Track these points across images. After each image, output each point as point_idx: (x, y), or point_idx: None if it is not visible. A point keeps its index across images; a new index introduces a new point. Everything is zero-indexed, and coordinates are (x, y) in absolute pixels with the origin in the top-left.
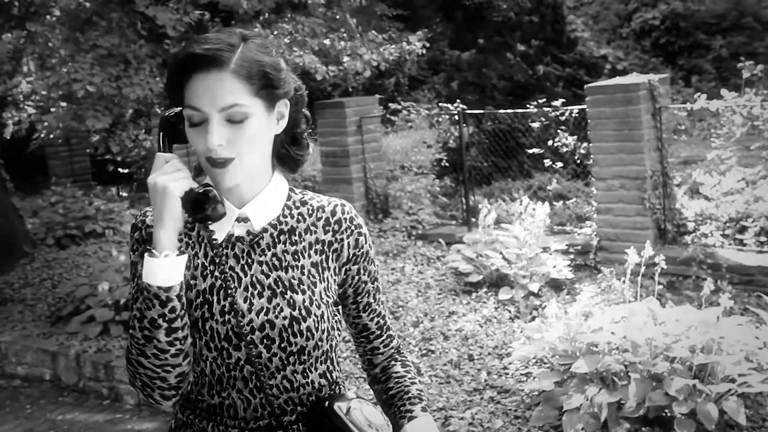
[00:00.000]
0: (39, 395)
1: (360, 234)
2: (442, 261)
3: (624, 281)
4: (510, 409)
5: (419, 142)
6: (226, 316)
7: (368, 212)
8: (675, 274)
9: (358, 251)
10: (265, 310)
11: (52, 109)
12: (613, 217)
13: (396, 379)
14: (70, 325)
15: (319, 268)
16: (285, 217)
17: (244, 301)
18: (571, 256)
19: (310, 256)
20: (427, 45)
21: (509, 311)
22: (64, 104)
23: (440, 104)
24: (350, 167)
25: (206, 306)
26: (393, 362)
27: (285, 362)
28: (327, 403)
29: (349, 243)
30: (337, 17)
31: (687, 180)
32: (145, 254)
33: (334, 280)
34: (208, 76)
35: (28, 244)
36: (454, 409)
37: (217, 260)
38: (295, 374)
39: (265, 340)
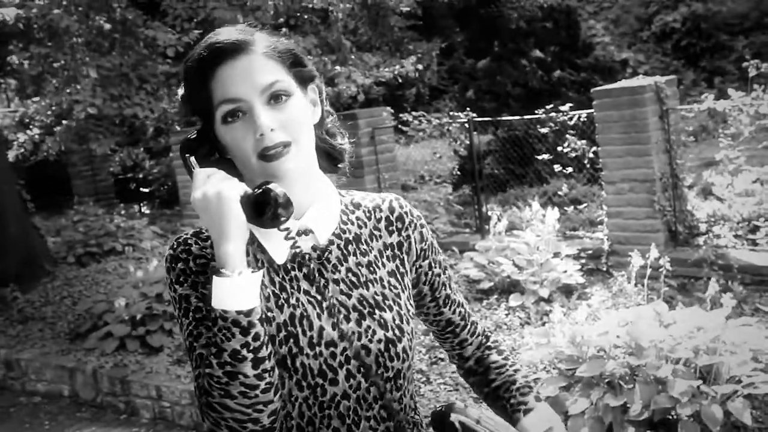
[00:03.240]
0: (58, 411)
1: (422, 226)
2: (454, 269)
3: (634, 284)
4: None
5: (435, 152)
6: (317, 348)
7: None
8: (686, 276)
9: (425, 245)
10: (357, 335)
11: (57, 128)
12: (624, 221)
13: (496, 370)
14: (88, 342)
15: (397, 276)
16: (345, 224)
17: (333, 329)
18: (583, 261)
19: (384, 265)
20: (420, 67)
21: (519, 317)
22: (65, 122)
23: (450, 113)
24: (364, 178)
25: (291, 340)
26: (487, 351)
27: (382, 390)
28: (453, 417)
29: (415, 238)
30: (333, 38)
31: (699, 181)
32: (213, 277)
33: (409, 284)
34: (237, 63)
35: (49, 263)
36: None
37: (288, 286)
38: (392, 402)
39: (362, 369)
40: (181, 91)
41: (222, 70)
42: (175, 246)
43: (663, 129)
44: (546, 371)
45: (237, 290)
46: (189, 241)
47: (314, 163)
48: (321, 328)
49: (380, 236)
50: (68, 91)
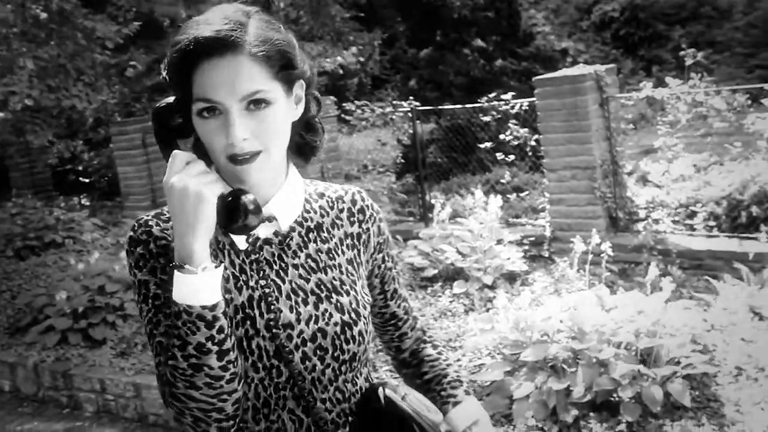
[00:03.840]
0: None
1: (381, 220)
2: (398, 257)
3: (576, 269)
4: None
5: (380, 141)
6: (274, 331)
7: None
8: (627, 261)
9: (381, 239)
10: (314, 318)
11: None
12: (566, 208)
13: (430, 363)
14: (29, 336)
15: (354, 264)
16: (308, 212)
17: (290, 311)
18: (526, 248)
19: (343, 252)
20: (361, 59)
21: (464, 304)
22: (0, 114)
23: (394, 102)
24: (307, 168)
25: (248, 322)
26: (422, 344)
27: (338, 372)
28: (380, 391)
29: (373, 231)
30: None
31: (638, 168)
32: (175, 272)
33: (364, 274)
34: (221, 63)
35: None
36: None
37: (248, 269)
38: (346, 383)
39: (318, 351)
40: (163, 67)
41: (206, 66)
42: (135, 228)
43: (603, 117)
44: (490, 357)
45: (202, 286)
46: (150, 223)
47: (284, 159)
48: (279, 311)
49: (341, 225)
50: (4, 82)
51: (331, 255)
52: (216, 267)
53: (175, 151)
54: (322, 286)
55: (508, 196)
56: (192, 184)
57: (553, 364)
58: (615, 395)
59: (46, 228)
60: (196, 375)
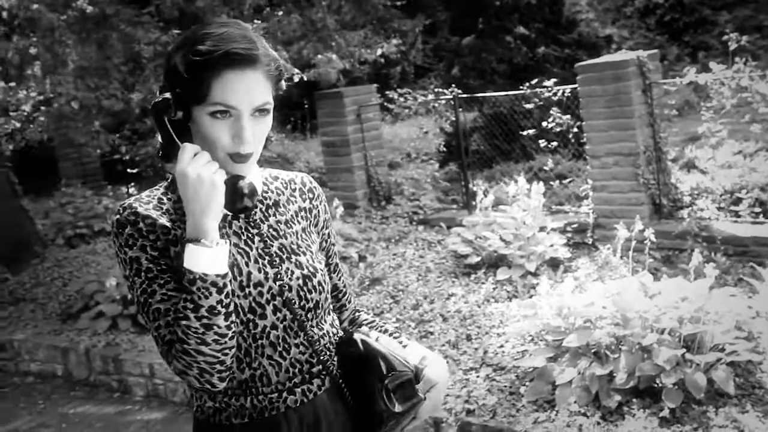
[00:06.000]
0: (51, 390)
1: (325, 201)
2: (442, 245)
3: (620, 257)
4: (505, 386)
5: (422, 129)
6: (246, 290)
7: (370, 200)
8: (671, 248)
9: (327, 216)
10: (279, 276)
11: (36, 114)
12: (609, 194)
13: (369, 324)
14: (80, 322)
15: (307, 232)
16: (266, 192)
17: (259, 272)
18: (569, 235)
19: (299, 222)
20: (403, 48)
21: (507, 291)
22: (43, 107)
23: (435, 90)
24: (351, 156)
25: None
26: (357, 313)
27: (305, 319)
28: (355, 336)
29: (321, 209)
30: (317, 15)
31: (682, 155)
32: (190, 245)
33: (317, 240)
34: (242, 75)
35: (39, 245)
36: (451, 388)
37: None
38: (313, 329)
39: (286, 303)
40: (180, 66)
41: (229, 76)
42: (121, 212)
43: (646, 103)
44: (533, 343)
45: (215, 258)
46: (134, 205)
47: None
48: (249, 273)
49: (295, 201)
50: (51, 81)
51: (288, 225)
52: (226, 243)
53: (185, 144)
54: (283, 249)
55: (551, 183)
56: (205, 172)
57: (595, 350)
58: (658, 381)
59: (96, 217)
60: (207, 333)
